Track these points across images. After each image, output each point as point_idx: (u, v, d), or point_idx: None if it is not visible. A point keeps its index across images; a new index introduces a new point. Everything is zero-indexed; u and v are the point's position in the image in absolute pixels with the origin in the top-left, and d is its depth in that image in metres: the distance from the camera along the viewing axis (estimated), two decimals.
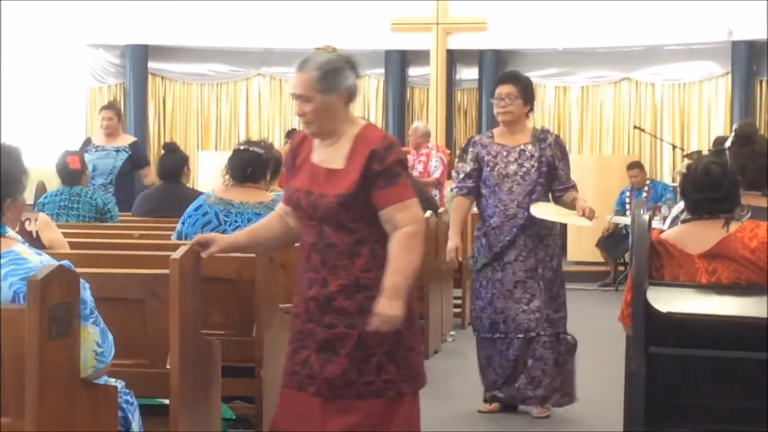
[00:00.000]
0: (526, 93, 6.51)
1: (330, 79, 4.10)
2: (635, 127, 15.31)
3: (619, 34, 15.44)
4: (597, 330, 9.66)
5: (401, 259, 3.99)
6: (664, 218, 7.73)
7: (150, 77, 16.60)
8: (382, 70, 16.46)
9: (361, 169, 4.03)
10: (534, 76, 16.17)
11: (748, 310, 3.98)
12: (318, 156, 4.18)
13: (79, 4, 15.44)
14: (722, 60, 15.53)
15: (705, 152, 10.21)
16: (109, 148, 10.23)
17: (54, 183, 8.51)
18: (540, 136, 6.54)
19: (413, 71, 16.54)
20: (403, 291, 3.98)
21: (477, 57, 16.23)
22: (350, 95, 4.17)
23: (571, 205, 6.46)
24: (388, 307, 3.95)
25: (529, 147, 6.45)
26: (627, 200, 13.27)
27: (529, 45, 16.00)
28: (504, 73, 7.31)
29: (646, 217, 4.18)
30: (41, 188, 8.99)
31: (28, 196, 8.72)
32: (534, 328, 6.37)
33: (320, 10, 15.38)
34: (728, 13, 14.86)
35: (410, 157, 12.50)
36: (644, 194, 13.21)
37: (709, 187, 4.26)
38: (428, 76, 15.80)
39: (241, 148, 6.23)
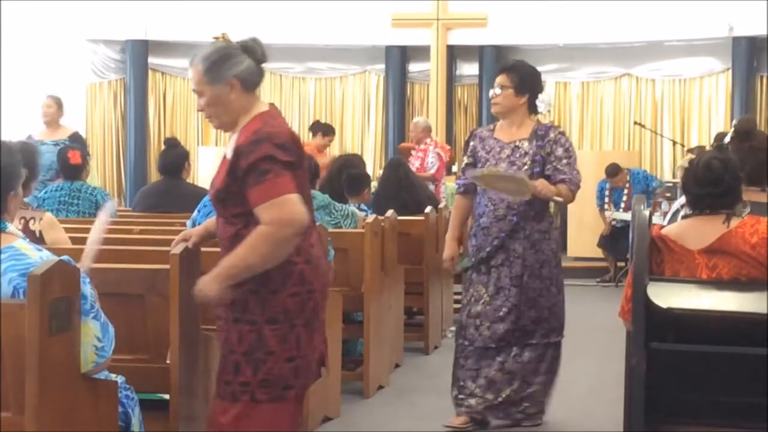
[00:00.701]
0: (522, 84, 6.01)
1: (216, 68, 4.03)
2: (635, 122, 15.31)
3: (619, 30, 15.44)
4: (597, 326, 9.67)
5: (241, 252, 3.82)
6: (665, 214, 7.73)
7: (150, 72, 16.59)
8: (383, 66, 16.46)
9: (228, 165, 3.94)
10: None
11: (748, 306, 3.98)
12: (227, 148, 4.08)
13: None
14: (723, 56, 15.53)
15: (708, 148, 10.21)
16: (49, 142, 10.08)
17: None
18: (540, 133, 6.00)
19: (413, 67, 16.53)
20: (225, 277, 3.81)
21: (477, 53, 16.22)
22: (245, 82, 4.08)
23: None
24: (203, 283, 3.86)
25: (525, 144, 5.97)
26: (607, 195, 13.27)
27: (529, 40, 16.00)
28: (503, 62, 6.74)
29: (647, 212, 4.18)
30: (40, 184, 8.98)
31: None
32: (506, 338, 5.98)
33: (320, 6, 15.38)
34: (729, 9, 14.86)
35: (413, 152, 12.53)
36: (626, 190, 13.20)
37: (711, 183, 4.26)
38: (428, 71, 15.80)
39: None
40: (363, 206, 8.44)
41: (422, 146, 12.55)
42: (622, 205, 13.13)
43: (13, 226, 3.47)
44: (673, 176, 13.61)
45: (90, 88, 16.55)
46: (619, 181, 13.29)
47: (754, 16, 14.72)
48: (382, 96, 16.69)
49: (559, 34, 15.70)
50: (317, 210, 7.07)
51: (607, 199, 13.30)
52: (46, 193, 7.91)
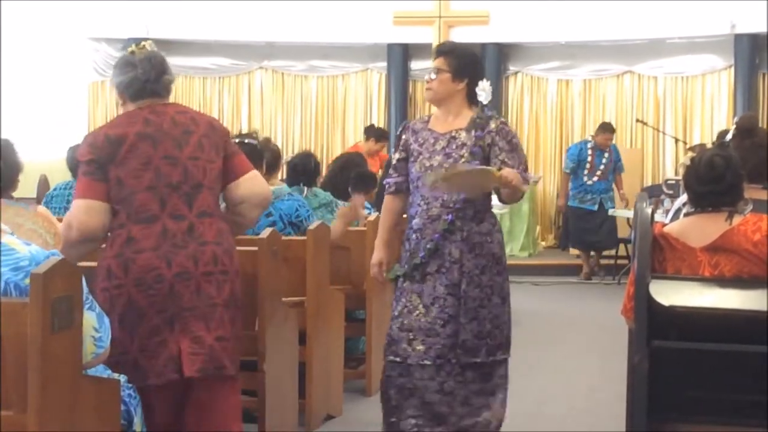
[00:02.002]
0: (460, 68, 5.32)
1: (112, 76, 4.40)
2: (638, 120, 15.31)
3: (621, 28, 15.43)
4: (599, 324, 9.69)
5: None
6: (666, 211, 7.73)
7: None
8: (385, 64, 16.46)
9: None
10: (536, 69, 16.32)
11: (751, 304, 3.98)
12: None
13: None
14: (725, 53, 15.52)
15: (709, 145, 10.23)
16: None
17: (56, 177, 8.51)
18: (479, 122, 5.25)
19: (415, 65, 16.52)
20: None
21: (479, 50, 16.19)
22: (121, 92, 4.36)
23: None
24: None
25: (462, 134, 5.23)
26: (589, 159, 13.29)
27: (531, 38, 16.00)
28: (440, 45, 5.77)
29: (649, 210, 4.18)
30: (44, 182, 8.99)
31: (31, 190, 8.75)
32: (444, 355, 5.13)
33: (322, 4, 15.38)
34: (731, 6, 14.85)
35: None
36: (606, 154, 13.28)
37: (713, 180, 4.26)
38: (431, 69, 15.78)
39: (236, 141, 6.20)
40: (367, 204, 8.46)
41: None
42: (598, 173, 13.19)
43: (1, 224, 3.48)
44: (675, 174, 13.61)
45: (92, 87, 16.57)
46: (607, 142, 13.33)
47: (756, 14, 14.73)
48: (384, 94, 16.69)
49: (560, 32, 15.69)
50: (319, 208, 7.07)
51: (589, 159, 13.28)
52: (55, 190, 7.91)
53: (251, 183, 4.46)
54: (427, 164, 5.18)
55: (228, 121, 16.72)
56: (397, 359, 5.17)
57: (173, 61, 18.18)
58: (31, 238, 3.73)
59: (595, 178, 13.22)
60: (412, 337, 5.15)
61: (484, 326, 5.17)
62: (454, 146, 5.21)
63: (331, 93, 16.90)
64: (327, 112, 16.78)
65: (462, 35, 15.64)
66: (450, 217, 5.16)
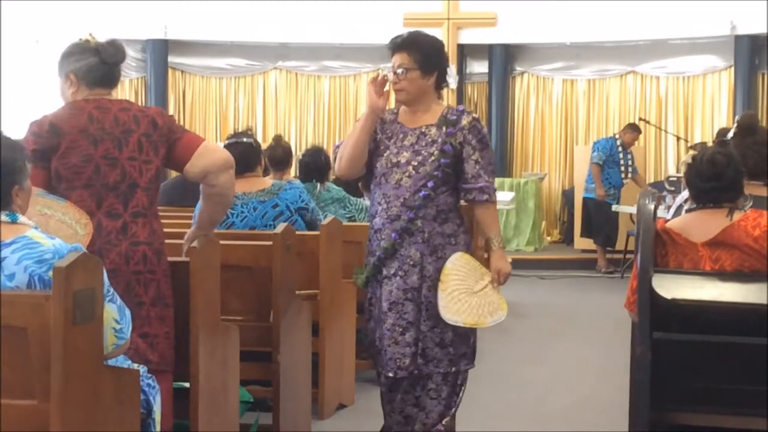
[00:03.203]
0: (428, 61, 4.84)
1: (60, 64, 4.34)
2: (640, 119, 15.28)
3: (624, 29, 15.42)
4: (603, 316, 9.69)
5: None
6: (668, 207, 7.72)
7: (170, 71, 16.62)
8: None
9: None
10: (542, 69, 16.31)
11: (751, 297, 3.98)
12: None
13: (102, 0, 15.47)
14: (725, 54, 15.50)
15: (710, 144, 10.23)
16: None
17: None
18: (450, 118, 4.79)
19: None
20: None
21: (487, 51, 16.20)
22: (78, 78, 4.29)
23: (485, 244, 4.97)
24: None
25: (433, 130, 4.79)
26: (621, 158, 13.26)
27: (537, 39, 15.98)
28: (396, 37, 5.01)
29: (652, 206, 4.18)
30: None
31: None
32: (406, 366, 4.74)
33: (335, 5, 15.39)
34: (731, 7, 14.83)
35: None
36: (630, 155, 13.35)
37: (714, 177, 4.26)
38: None
39: (233, 141, 6.21)
40: None
41: None
42: (629, 172, 13.21)
43: (25, 217, 3.49)
44: (677, 171, 13.59)
45: None
46: (633, 141, 13.34)
47: (756, 15, 14.70)
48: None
49: (565, 33, 15.68)
50: (332, 203, 7.07)
51: (621, 157, 13.25)
52: None
53: (205, 154, 4.35)
54: (395, 160, 4.79)
55: (243, 120, 16.75)
56: (380, 369, 4.88)
57: (191, 61, 18.35)
58: (60, 229, 3.74)
59: (628, 179, 13.21)
60: (380, 346, 4.83)
61: (446, 334, 4.76)
62: (423, 143, 4.79)
63: (343, 92, 16.91)
64: (339, 111, 16.79)
65: (470, 36, 15.67)
66: (410, 214, 4.73)
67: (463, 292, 4.71)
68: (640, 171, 13.78)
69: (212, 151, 4.45)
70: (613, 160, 13.31)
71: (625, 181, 13.23)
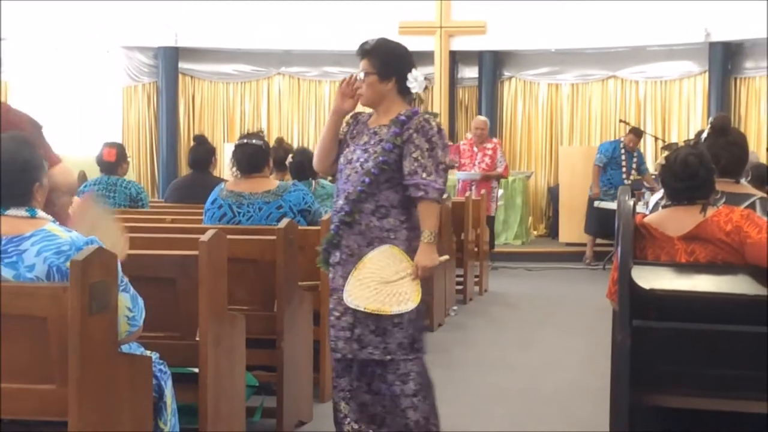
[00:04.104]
0: (386, 67, 4.78)
1: None
2: (621, 120, 15.29)
3: (605, 36, 15.42)
4: (586, 305, 9.70)
5: None
6: (647, 204, 7.72)
7: (180, 76, 16.59)
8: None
9: None
10: (528, 74, 16.31)
11: (723, 287, 3.98)
12: None
13: (117, 9, 15.45)
14: (700, 59, 15.51)
15: (680, 144, 10.22)
16: None
17: (94, 172, 8.51)
18: (401, 119, 4.68)
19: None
20: None
21: (477, 57, 16.20)
22: None
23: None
24: None
25: (384, 130, 4.71)
26: (623, 160, 13.23)
27: (524, 46, 15.98)
28: (362, 44, 4.95)
29: (631, 202, 4.18)
30: (82, 177, 8.97)
31: None
32: (340, 349, 4.69)
33: (334, 15, 15.39)
34: (705, 16, 14.84)
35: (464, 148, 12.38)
36: (635, 157, 13.28)
37: (687, 177, 4.26)
38: (432, 75, 15.78)
39: (243, 142, 6.20)
40: None
41: (488, 145, 12.42)
42: (632, 173, 13.18)
43: (43, 212, 3.50)
44: (655, 170, 13.59)
45: (126, 91, 16.56)
46: (632, 144, 13.30)
47: (729, 23, 14.73)
48: None
49: (550, 41, 15.68)
50: (327, 198, 7.06)
51: (624, 159, 13.23)
52: (85, 186, 7.90)
53: (59, 173, 4.23)
54: (349, 157, 4.76)
55: (249, 122, 16.75)
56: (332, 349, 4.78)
57: (200, 67, 18.37)
58: (106, 237, 3.69)
59: (630, 180, 13.18)
60: (329, 327, 4.78)
61: (382, 323, 4.65)
62: (372, 142, 4.73)
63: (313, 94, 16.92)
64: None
65: (461, 44, 15.66)
66: (348, 207, 4.68)
67: (374, 280, 4.62)
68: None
69: (66, 172, 4.38)
70: (616, 162, 13.27)
71: (626, 181, 13.15)
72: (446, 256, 4.71)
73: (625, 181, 13.13)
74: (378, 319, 4.63)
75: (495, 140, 12.89)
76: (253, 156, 6.00)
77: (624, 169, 13.25)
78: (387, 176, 4.67)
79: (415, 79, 4.80)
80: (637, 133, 13.55)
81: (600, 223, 13.09)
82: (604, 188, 13.22)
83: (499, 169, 12.39)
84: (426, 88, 4.93)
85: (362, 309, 4.60)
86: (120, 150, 8.13)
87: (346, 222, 4.68)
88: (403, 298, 4.63)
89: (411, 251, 4.67)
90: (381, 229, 4.67)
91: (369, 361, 4.68)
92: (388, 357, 4.67)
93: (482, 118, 13.10)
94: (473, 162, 12.23)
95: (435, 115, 4.85)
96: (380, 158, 4.65)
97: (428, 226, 4.65)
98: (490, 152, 12.29)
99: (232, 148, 6.32)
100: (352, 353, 4.67)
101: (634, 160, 13.35)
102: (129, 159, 8.43)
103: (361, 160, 4.69)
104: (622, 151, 13.30)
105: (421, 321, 4.79)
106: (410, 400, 4.71)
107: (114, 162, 7.95)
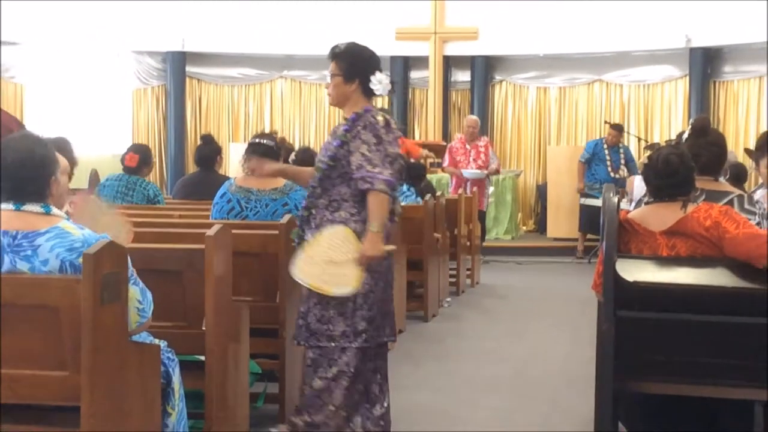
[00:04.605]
0: (351, 69, 4.82)
1: None
2: (606, 122, 15.29)
3: (591, 42, 15.45)
4: (573, 297, 9.70)
5: None
6: (631, 200, 7.71)
7: (188, 80, 16.59)
8: (388, 73, 16.39)
9: None
10: (518, 78, 16.31)
11: (703, 280, 3.98)
12: None
13: (127, 16, 15.45)
14: (681, 64, 15.52)
15: (662, 144, 10.23)
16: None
17: (105, 170, 8.50)
18: (352, 117, 4.73)
19: (414, 74, 16.52)
20: None
21: (469, 62, 16.21)
22: None
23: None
24: None
25: (340, 129, 4.75)
26: (606, 155, 13.21)
27: (514, 51, 15.99)
28: (332, 47, 5.02)
29: (616, 199, 4.18)
30: (95, 175, 8.95)
31: (82, 182, 8.73)
32: (294, 336, 4.79)
33: (334, 22, 15.38)
34: (686, 23, 14.85)
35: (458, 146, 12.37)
36: (621, 153, 13.25)
37: (669, 175, 4.26)
38: (427, 78, 15.79)
39: (256, 141, 6.20)
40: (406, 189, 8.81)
41: (480, 143, 12.41)
42: (619, 169, 13.15)
43: (57, 209, 3.49)
44: (638, 168, 13.59)
45: (135, 93, 16.56)
46: (611, 138, 13.28)
47: (709, 29, 14.75)
48: (387, 99, 16.66)
49: (539, 46, 15.70)
50: None
51: (607, 155, 13.21)
52: (107, 180, 7.89)
53: None
54: (318, 157, 4.82)
55: (253, 123, 16.76)
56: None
57: (206, 71, 18.38)
58: (109, 227, 3.70)
59: (618, 175, 13.14)
60: None
61: (327, 311, 4.65)
62: (330, 140, 4.76)
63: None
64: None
65: (454, 49, 15.67)
66: (305, 204, 4.77)
67: (323, 259, 4.59)
68: None
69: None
70: (599, 158, 13.28)
71: (614, 176, 13.14)
72: (393, 246, 4.63)
73: (612, 176, 13.13)
74: (325, 308, 4.64)
75: (485, 138, 12.89)
76: (264, 155, 5.99)
77: (609, 164, 13.24)
78: (339, 172, 4.65)
79: (379, 82, 4.80)
80: (616, 128, 13.54)
81: (591, 219, 13.09)
82: (589, 183, 13.24)
83: (494, 166, 12.43)
84: (392, 90, 4.89)
85: (307, 284, 4.61)
86: (143, 157, 8.00)
87: (305, 217, 4.72)
88: (345, 281, 4.59)
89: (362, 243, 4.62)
90: (332, 222, 4.65)
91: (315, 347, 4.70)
92: (333, 344, 4.67)
93: (474, 117, 13.12)
94: (468, 159, 12.22)
95: (387, 113, 4.84)
96: (328, 154, 4.66)
97: (375, 216, 4.58)
98: (483, 149, 12.30)
99: (239, 147, 6.33)
100: (305, 340, 4.70)
101: (621, 155, 13.32)
102: (153, 162, 8.38)
103: (321, 158, 4.73)
104: (605, 147, 13.30)
105: (369, 311, 4.72)
106: (327, 382, 4.70)
107: (135, 167, 7.93)
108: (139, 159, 7.93)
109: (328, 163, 4.67)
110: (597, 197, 12.95)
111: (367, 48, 4.91)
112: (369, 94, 4.82)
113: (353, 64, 4.82)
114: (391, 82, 4.89)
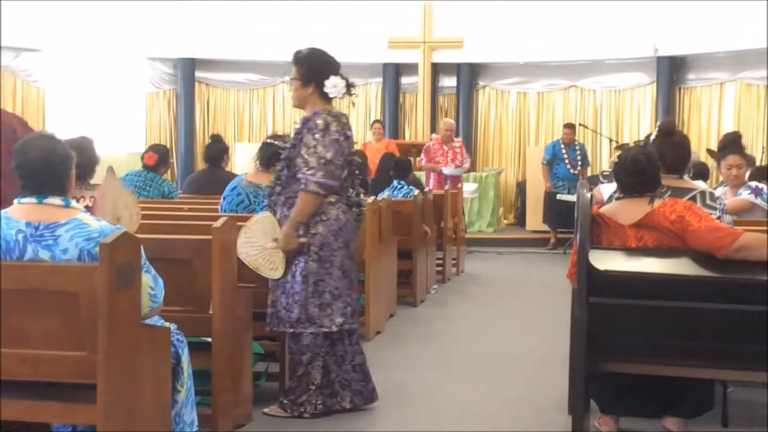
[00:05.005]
0: (308, 73, 4.78)
1: None
2: (580, 124, 15.29)
3: (567, 51, 15.45)
4: (550, 284, 9.70)
5: None
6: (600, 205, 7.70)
7: (197, 84, 16.54)
8: (381, 80, 16.42)
9: None
10: (500, 84, 16.30)
11: (668, 269, 3.99)
12: None
13: (141, 25, 15.41)
14: (649, 71, 15.52)
15: (631, 145, 10.27)
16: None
17: (121, 168, 8.48)
18: (303, 119, 4.78)
19: (405, 80, 16.48)
20: None
21: (455, 69, 16.19)
22: None
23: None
24: None
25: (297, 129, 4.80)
26: (564, 154, 13.20)
27: (496, 59, 15.98)
28: (294, 53, 4.96)
29: (589, 195, 4.18)
30: (111, 172, 8.93)
31: (102, 179, 8.72)
32: (269, 323, 4.86)
33: (332, 31, 15.34)
34: (654, 34, 14.86)
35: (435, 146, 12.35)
36: (578, 150, 13.22)
37: (637, 173, 4.27)
38: (417, 84, 15.75)
39: (268, 141, 6.21)
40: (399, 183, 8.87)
41: (456, 143, 12.41)
42: (577, 165, 13.13)
43: (75, 202, 3.49)
44: (609, 166, 13.60)
45: (149, 97, 16.51)
46: (566, 137, 13.28)
47: (675, 39, 14.76)
48: (380, 103, 16.65)
49: (519, 54, 15.69)
50: None
51: (564, 151, 13.19)
52: (127, 175, 7.87)
53: None
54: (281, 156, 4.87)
55: (256, 125, 16.73)
56: None
57: (214, 76, 18.29)
58: (125, 207, 3.74)
59: (575, 170, 13.13)
60: None
61: (279, 298, 4.77)
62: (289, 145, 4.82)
63: (338, 102, 16.79)
64: None
65: (442, 57, 15.63)
66: (266, 202, 4.90)
67: (258, 243, 4.66)
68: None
69: None
70: (558, 157, 13.30)
71: (573, 172, 13.15)
72: (304, 239, 4.70)
73: (572, 172, 13.11)
74: (288, 296, 4.72)
75: (459, 139, 12.90)
76: (275, 154, 5.99)
77: (568, 162, 13.24)
78: (292, 172, 4.70)
79: (333, 86, 4.79)
80: (569, 126, 13.58)
81: (558, 215, 13.12)
82: (553, 182, 13.25)
83: (467, 165, 12.49)
84: (351, 94, 4.88)
85: (247, 263, 4.66)
86: (161, 156, 7.95)
87: (272, 211, 4.81)
88: (274, 266, 4.72)
89: (314, 238, 4.69)
90: (287, 218, 4.70)
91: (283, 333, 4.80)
92: (291, 330, 4.75)
93: (450, 120, 13.14)
94: (446, 159, 12.23)
95: (339, 115, 4.79)
96: (282, 156, 4.76)
97: (295, 213, 4.66)
98: (458, 149, 12.35)
99: (243, 147, 6.34)
100: (275, 326, 4.78)
101: (577, 152, 13.30)
102: (171, 162, 8.35)
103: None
104: (562, 146, 13.31)
105: (320, 298, 4.73)
106: (304, 368, 4.77)
107: (152, 165, 7.90)
108: (158, 158, 7.91)
109: (283, 165, 4.74)
110: (562, 194, 12.99)
111: (325, 54, 4.90)
112: (325, 97, 4.80)
113: (310, 69, 4.80)
114: (350, 85, 4.88)
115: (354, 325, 4.89)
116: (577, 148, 13.38)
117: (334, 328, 4.77)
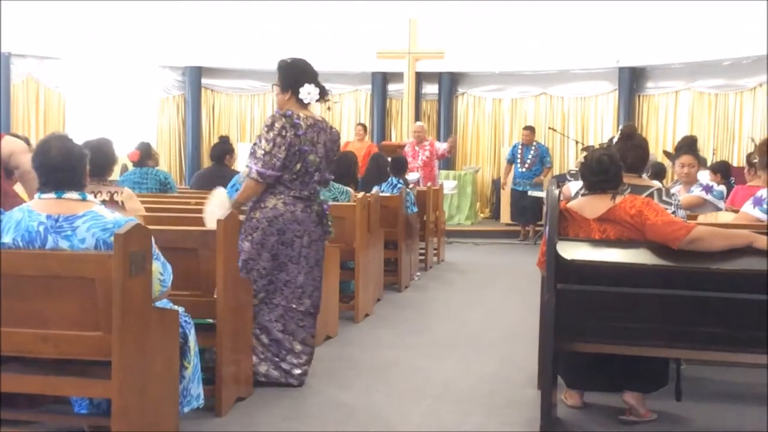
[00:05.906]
0: (285, 81, 4.82)
1: None
2: (550, 128, 15.33)
3: (538, 61, 15.48)
4: (522, 272, 9.71)
5: None
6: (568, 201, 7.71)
7: (203, 90, 16.50)
8: (369, 87, 16.41)
9: None
10: (478, 91, 16.30)
11: (629, 258, 4.00)
12: None
13: (153, 36, 15.36)
14: (612, 80, 15.55)
15: (596, 146, 10.30)
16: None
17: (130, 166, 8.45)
18: (270, 118, 4.77)
19: (392, 87, 16.48)
20: None
21: (437, 77, 16.19)
22: None
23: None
24: None
25: None
26: (520, 154, 13.22)
27: (474, 69, 15.99)
28: (279, 61, 4.98)
29: (557, 191, 4.18)
30: (125, 170, 8.90)
31: (116, 175, 8.69)
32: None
33: (326, 42, 15.34)
34: (617, 46, 14.90)
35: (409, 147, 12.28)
36: (532, 150, 13.20)
37: (601, 172, 4.27)
38: (402, 91, 15.74)
39: None
40: (396, 181, 8.81)
41: (426, 142, 12.36)
42: (527, 163, 13.12)
43: (91, 196, 3.48)
44: (576, 166, 13.60)
45: (160, 102, 16.45)
46: (525, 138, 13.27)
47: (635, 52, 14.80)
48: (368, 108, 16.64)
49: (495, 64, 15.72)
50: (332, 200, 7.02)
51: (520, 154, 13.21)
52: (123, 177, 7.83)
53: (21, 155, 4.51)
54: None
55: (257, 127, 16.67)
56: None
57: (219, 83, 18.18)
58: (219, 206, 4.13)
59: (525, 168, 13.16)
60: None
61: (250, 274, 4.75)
62: None
63: (316, 107, 16.75)
64: (332, 120, 16.66)
65: (425, 66, 15.62)
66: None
67: (216, 214, 4.52)
68: (553, 166, 13.82)
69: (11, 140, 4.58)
70: (516, 157, 13.31)
71: (522, 170, 13.15)
72: (242, 218, 4.75)
73: (521, 170, 13.09)
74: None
75: (430, 138, 12.86)
76: None
77: (519, 162, 13.24)
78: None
79: (307, 93, 4.82)
80: (528, 128, 13.54)
81: (521, 212, 13.16)
82: (514, 179, 13.26)
83: (445, 146, 12.09)
84: (326, 100, 4.94)
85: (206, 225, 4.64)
86: (143, 152, 7.89)
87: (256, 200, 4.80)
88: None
89: (253, 233, 4.72)
90: (266, 201, 4.74)
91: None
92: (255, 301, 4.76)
93: (420, 123, 13.10)
94: (416, 158, 12.12)
95: (291, 116, 4.77)
96: (250, 151, 4.74)
97: (238, 195, 4.76)
98: (428, 147, 12.23)
99: (245, 147, 6.30)
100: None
101: (531, 153, 13.25)
102: (155, 154, 8.31)
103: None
104: (519, 147, 13.31)
105: (248, 274, 4.73)
106: (256, 336, 4.78)
107: (138, 161, 7.86)
108: (141, 153, 7.87)
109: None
110: (518, 190, 13.03)
111: (304, 63, 4.91)
112: (301, 102, 4.82)
113: (287, 77, 4.82)
114: (324, 92, 4.92)
115: (275, 302, 4.82)
116: (533, 147, 13.31)
117: (255, 302, 4.76)
